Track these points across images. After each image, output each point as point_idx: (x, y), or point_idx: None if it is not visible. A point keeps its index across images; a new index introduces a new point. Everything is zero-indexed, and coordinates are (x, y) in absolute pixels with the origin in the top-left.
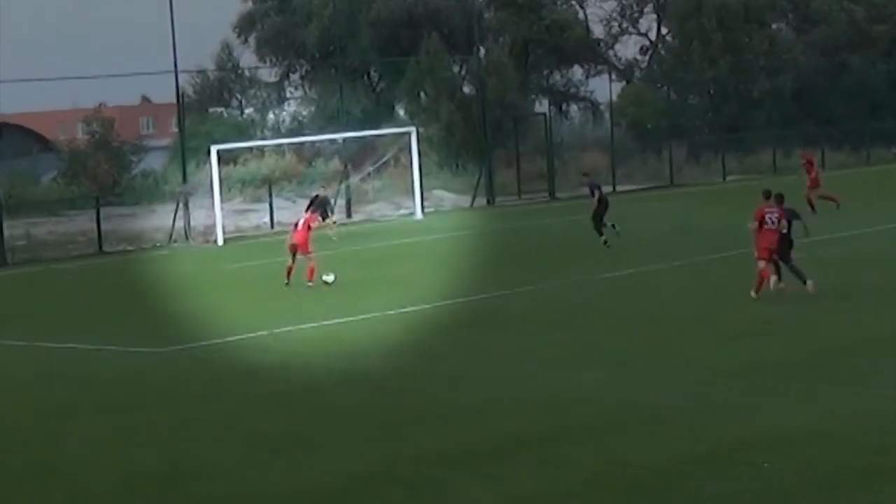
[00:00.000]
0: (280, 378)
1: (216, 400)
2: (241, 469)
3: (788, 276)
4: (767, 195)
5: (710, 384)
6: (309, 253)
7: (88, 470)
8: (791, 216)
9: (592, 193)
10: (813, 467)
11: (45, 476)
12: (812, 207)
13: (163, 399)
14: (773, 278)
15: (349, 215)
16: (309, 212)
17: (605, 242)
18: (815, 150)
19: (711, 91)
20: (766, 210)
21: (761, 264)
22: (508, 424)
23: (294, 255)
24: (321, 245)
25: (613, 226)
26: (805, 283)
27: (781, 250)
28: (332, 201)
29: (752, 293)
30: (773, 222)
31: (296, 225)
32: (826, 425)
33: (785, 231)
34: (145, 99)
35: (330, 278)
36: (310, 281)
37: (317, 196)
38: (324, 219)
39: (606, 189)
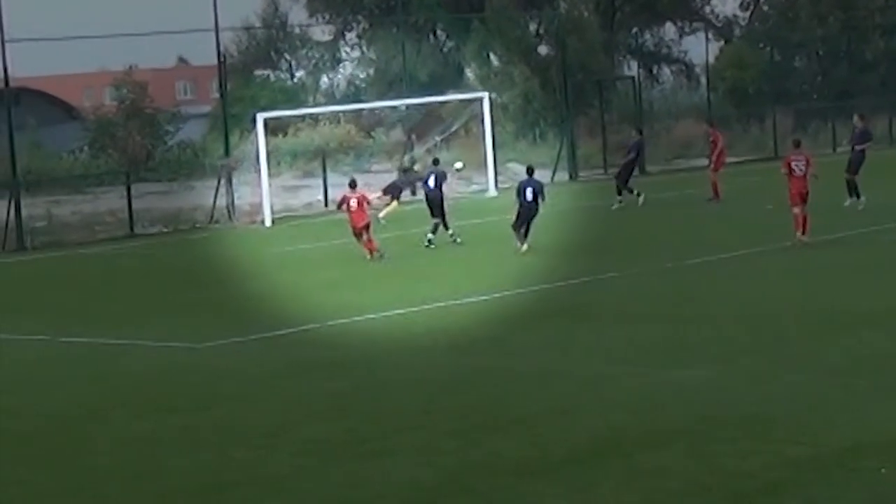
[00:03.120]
0: (336, 376)
1: (263, 401)
2: (293, 479)
3: None
4: (796, 144)
5: (817, 382)
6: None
7: (119, 483)
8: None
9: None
10: None
11: (71, 493)
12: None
13: (203, 401)
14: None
15: (413, 192)
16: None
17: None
18: None
19: (820, 52)
20: (793, 158)
21: (795, 210)
22: (594, 428)
23: (360, 236)
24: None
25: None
26: None
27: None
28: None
29: (799, 236)
30: (800, 169)
31: (347, 206)
32: None
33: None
34: (182, 60)
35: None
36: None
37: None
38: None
39: (702, 162)
